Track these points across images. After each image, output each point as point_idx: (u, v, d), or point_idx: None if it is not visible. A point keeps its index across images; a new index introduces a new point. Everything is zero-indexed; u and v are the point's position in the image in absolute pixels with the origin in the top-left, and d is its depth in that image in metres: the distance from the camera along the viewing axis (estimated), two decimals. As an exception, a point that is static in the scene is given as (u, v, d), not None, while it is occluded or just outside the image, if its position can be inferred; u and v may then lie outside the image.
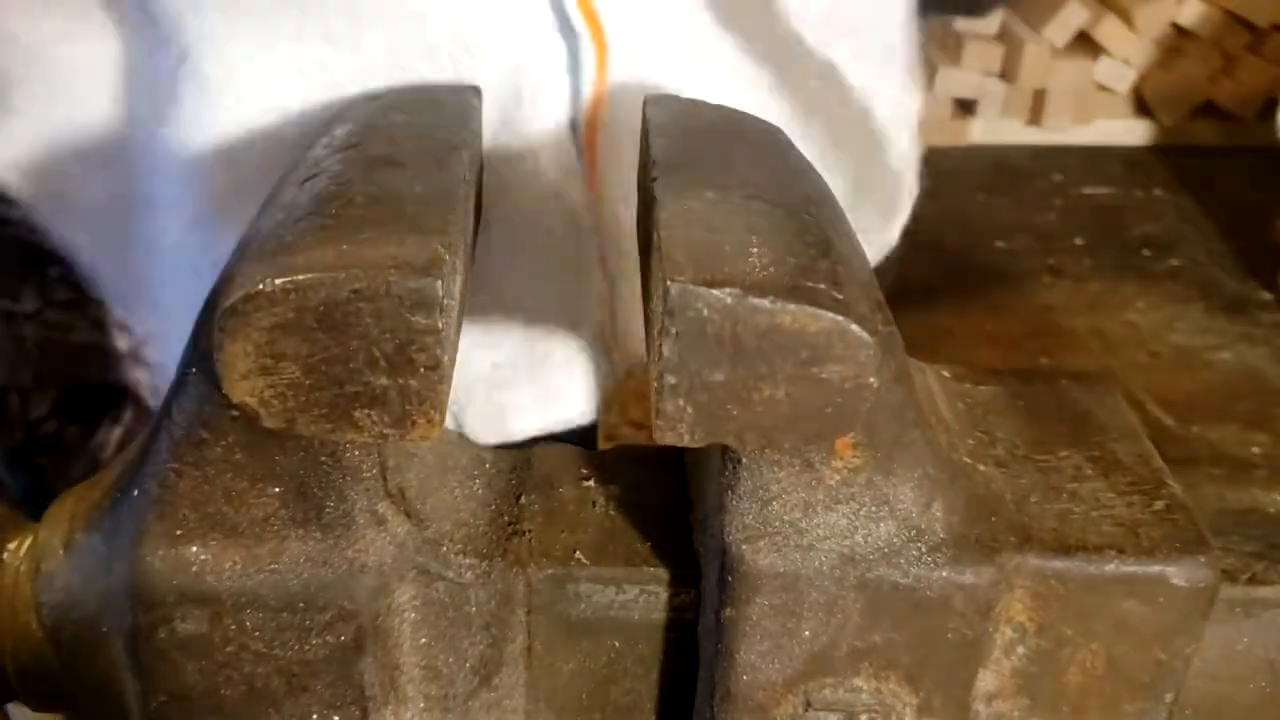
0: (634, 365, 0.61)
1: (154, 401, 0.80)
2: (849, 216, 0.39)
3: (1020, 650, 0.39)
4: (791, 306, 0.32)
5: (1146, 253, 1.09)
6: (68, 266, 0.76)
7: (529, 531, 0.41)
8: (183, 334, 0.36)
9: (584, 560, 0.40)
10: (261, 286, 0.32)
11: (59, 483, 0.79)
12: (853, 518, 0.36)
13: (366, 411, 0.33)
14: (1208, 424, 0.82)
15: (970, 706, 0.40)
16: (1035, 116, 1.40)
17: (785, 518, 0.36)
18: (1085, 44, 1.39)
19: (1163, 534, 0.38)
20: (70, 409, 0.80)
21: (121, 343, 0.78)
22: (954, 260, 1.04)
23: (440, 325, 0.32)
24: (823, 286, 0.33)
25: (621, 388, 0.64)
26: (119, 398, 0.80)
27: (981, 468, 0.40)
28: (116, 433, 0.80)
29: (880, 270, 0.67)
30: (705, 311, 0.32)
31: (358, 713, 0.39)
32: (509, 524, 0.41)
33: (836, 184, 0.45)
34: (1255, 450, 0.80)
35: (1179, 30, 1.37)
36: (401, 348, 0.32)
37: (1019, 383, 0.45)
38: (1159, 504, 0.39)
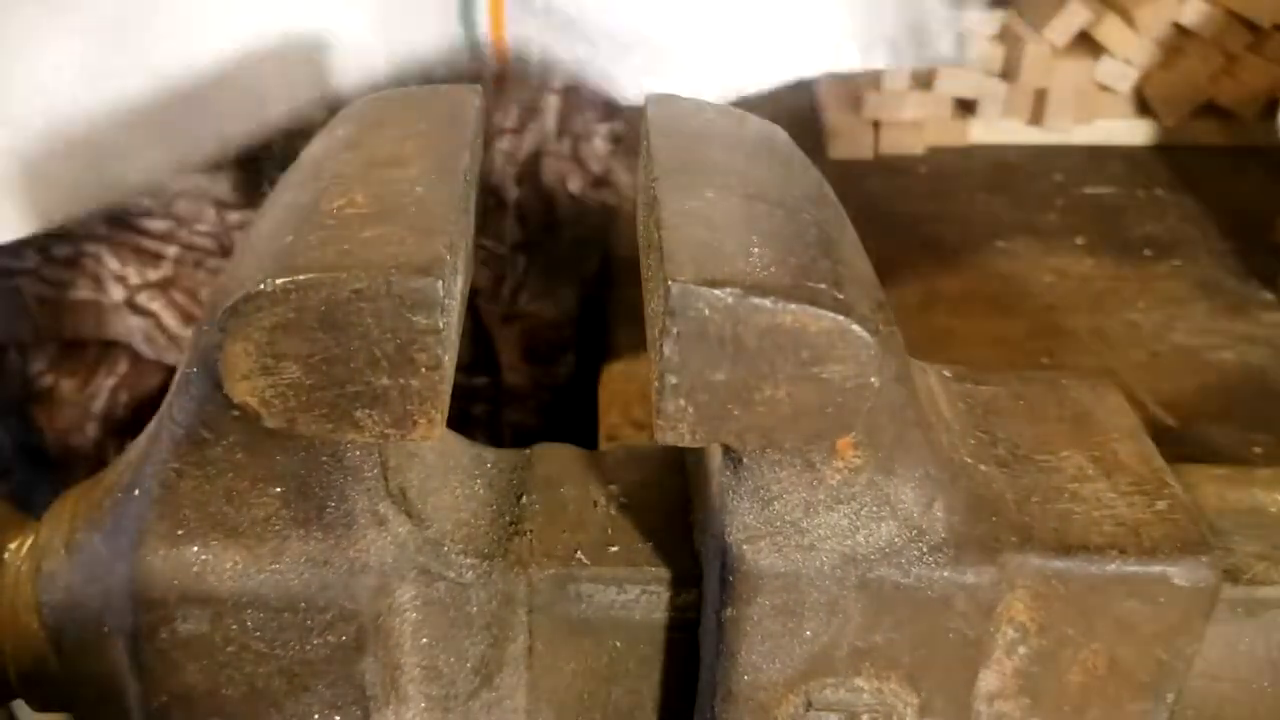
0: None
1: (147, 349, 0.81)
2: None
3: (1022, 650, 0.39)
4: (793, 306, 0.32)
5: (1148, 252, 1.09)
6: (66, 225, 0.77)
7: (530, 531, 0.41)
8: None
9: (585, 560, 0.40)
10: (262, 286, 0.32)
11: (50, 434, 0.80)
12: (854, 518, 0.36)
13: (367, 411, 0.33)
14: (1209, 424, 0.82)
15: (972, 706, 0.40)
16: (1036, 116, 1.39)
17: (786, 517, 0.36)
18: (1086, 44, 1.39)
19: (1164, 534, 0.38)
20: (67, 363, 0.81)
21: (118, 293, 0.79)
22: (955, 260, 1.04)
23: (441, 325, 0.32)
24: (824, 286, 0.33)
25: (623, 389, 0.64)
26: (114, 352, 0.81)
27: (983, 468, 0.40)
28: (109, 383, 0.81)
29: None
30: (706, 311, 0.32)
31: (359, 712, 0.39)
32: (510, 524, 0.41)
33: None
34: (1257, 450, 0.80)
35: (1180, 30, 1.37)
36: (402, 347, 0.32)
37: (1020, 383, 0.45)
38: (1160, 504, 0.39)
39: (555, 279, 0.89)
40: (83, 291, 0.79)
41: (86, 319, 0.80)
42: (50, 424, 0.80)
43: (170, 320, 0.80)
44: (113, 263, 0.79)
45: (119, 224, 0.78)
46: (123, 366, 0.81)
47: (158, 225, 0.78)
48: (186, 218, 0.78)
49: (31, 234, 0.74)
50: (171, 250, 0.79)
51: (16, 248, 0.77)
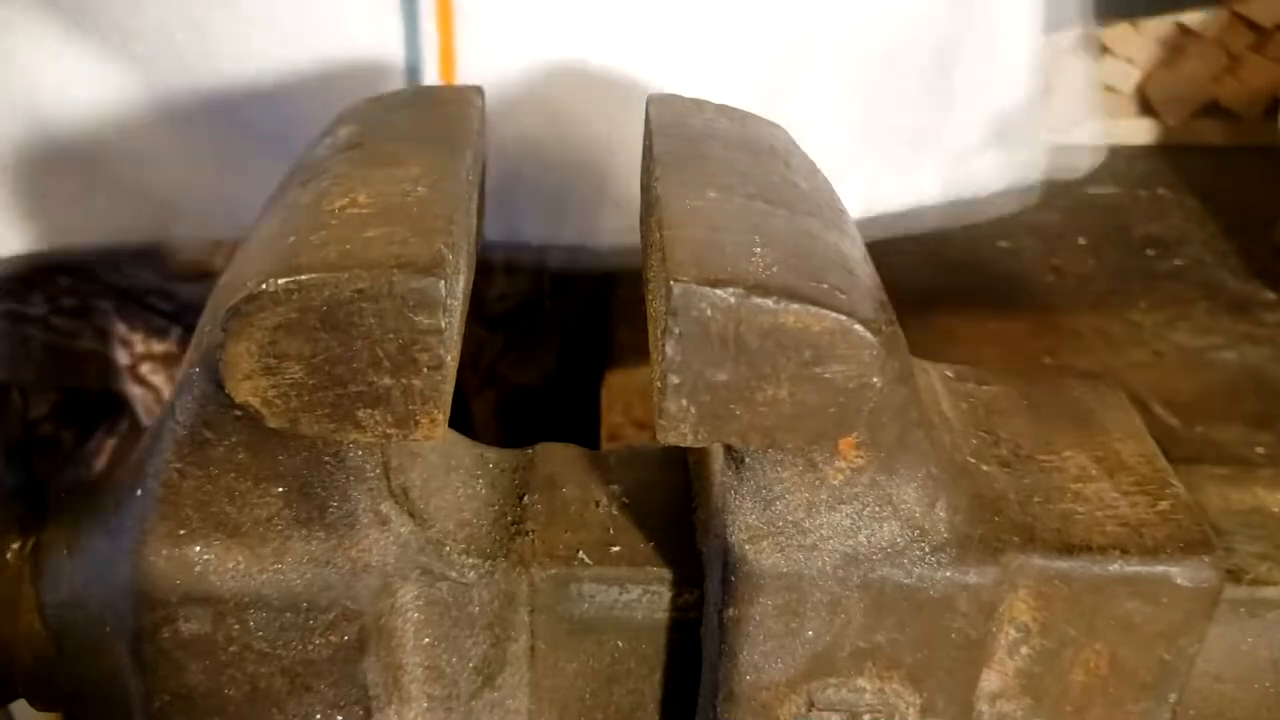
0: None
1: (145, 417, 0.81)
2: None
3: (1024, 650, 0.39)
4: (795, 306, 0.32)
5: (1150, 252, 1.09)
6: (76, 276, 0.77)
7: (532, 531, 0.41)
8: None
9: (587, 560, 0.40)
10: (265, 286, 0.32)
11: (51, 483, 0.80)
12: (856, 518, 0.36)
13: (370, 411, 0.33)
14: (1212, 424, 0.82)
15: (974, 707, 0.40)
16: (1038, 116, 1.39)
17: (788, 518, 0.36)
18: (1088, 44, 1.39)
19: (1167, 534, 0.38)
20: (68, 413, 0.81)
21: (122, 357, 0.79)
22: (957, 259, 1.04)
23: (443, 325, 0.32)
24: (826, 286, 0.33)
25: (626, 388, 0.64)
26: (116, 408, 0.81)
27: (985, 468, 0.40)
28: (110, 442, 0.81)
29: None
30: (709, 311, 0.32)
31: (361, 713, 0.39)
32: (512, 524, 0.41)
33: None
34: (1260, 450, 0.80)
35: (1183, 30, 1.37)
36: (405, 347, 0.32)
37: (1023, 382, 0.45)
38: (1163, 504, 0.39)
39: (536, 346, 0.89)
40: (87, 342, 0.79)
41: (89, 368, 0.80)
42: (52, 473, 0.80)
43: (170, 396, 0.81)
44: (120, 326, 0.79)
45: (128, 298, 0.78)
46: (123, 425, 0.81)
47: (166, 305, 0.78)
48: (193, 303, 0.78)
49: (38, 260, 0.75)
50: (176, 330, 0.79)
51: (25, 293, 0.77)
